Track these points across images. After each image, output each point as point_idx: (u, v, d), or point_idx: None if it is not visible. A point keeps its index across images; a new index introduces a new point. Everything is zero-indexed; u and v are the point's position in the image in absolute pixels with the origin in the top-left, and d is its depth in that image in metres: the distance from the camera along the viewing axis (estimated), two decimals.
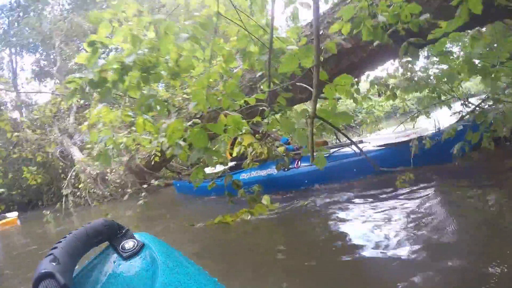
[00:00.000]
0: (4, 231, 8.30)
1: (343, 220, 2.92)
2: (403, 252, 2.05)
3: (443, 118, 5.03)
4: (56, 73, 16.91)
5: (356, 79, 4.55)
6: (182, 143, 2.71)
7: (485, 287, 1.53)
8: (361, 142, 4.46)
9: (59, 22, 17.36)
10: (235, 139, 5.03)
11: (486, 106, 4.11)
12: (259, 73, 3.69)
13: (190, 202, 5.82)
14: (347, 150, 4.34)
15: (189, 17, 2.44)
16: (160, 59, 2.79)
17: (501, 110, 2.49)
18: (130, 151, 8.41)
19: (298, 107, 5.60)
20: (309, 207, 3.48)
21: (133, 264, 0.62)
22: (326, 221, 3.03)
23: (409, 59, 5.15)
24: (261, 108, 3.16)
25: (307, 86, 2.04)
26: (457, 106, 4.79)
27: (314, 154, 1.97)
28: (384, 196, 3.29)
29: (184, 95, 7.07)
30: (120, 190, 8.84)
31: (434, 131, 4.06)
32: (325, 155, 2.24)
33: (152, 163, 7.46)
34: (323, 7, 4.24)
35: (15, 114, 16.05)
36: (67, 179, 9.92)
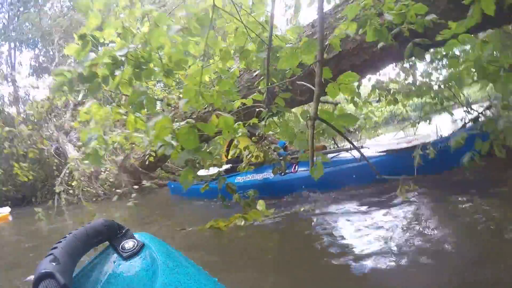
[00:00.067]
0: None
1: (340, 228, 2.80)
2: (400, 261, 1.99)
3: (443, 124, 4.94)
4: (54, 69, 16.74)
5: (357, 83, 4.44)
6: (174, 142, 2.59)
7: None
8: (361, 147, 4.32)
9: (58, 18, 17.27)
10: (232, 141, 4.91)
11: (489, 113, 4.01)
12: (256, 72, 3.55)
13: (184, 204, 5.64)
14: (346, 155, 4.20)
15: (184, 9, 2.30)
16: (154, 55, 2.67)
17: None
18: (124, 150, 8.30)
19: (297, 110, 5.46)
20: (305, 213, 3.34)
21: (133, 264, 0.62)
22: (322, 228, 2.89)
23: (411, 63, 5.15)
24: (258, 109, 3.03)
25: (308, 85, 1.90)
26: (457, 112, 4.71)
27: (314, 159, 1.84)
28: (383, 204, 3.17)
29: (180, 95, 6.94)
30: (114, 189, 8.71)
31: (436, 138, 3.93)
32: (324, 164, 2.09)
33: (147, 163, 7.32)
34: (325, 7, 4.11)
35: (12, 110, 15.91)
36: (61, 176, 9.77)
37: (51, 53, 19.54)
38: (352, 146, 4.35)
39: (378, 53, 3.48)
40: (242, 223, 2.96)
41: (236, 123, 3.14)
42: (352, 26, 2.34)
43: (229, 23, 2.76)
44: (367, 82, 5.05)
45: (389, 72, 5.44)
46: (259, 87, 3.17)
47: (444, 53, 4.18)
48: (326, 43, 2.47)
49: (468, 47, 2.37)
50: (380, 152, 3.94)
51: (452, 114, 4.67)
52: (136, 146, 6.43)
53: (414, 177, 3.12)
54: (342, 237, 2.58)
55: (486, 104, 5.30)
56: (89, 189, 9.15)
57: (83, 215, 6.81)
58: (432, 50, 4.00)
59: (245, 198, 3.46)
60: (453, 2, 3.24)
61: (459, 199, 2.86)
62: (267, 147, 4.49)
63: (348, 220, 2.93)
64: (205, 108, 3.03)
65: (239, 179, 4.66)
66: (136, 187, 6.15)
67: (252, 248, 2.84)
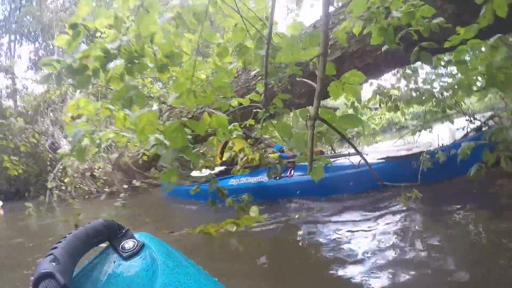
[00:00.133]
0: None
1: (335, 236, 2.68)
2: (396, 271, 1.93)
3: (443, 133, 4.86)
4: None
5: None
6: (167, 142, 2.45)
7: None
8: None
9: (60, 12, 17.16)
10: (227, 142, 4.77)
11: (491, 123, 3.92)
12: (254, 71, 3.42)
13: (176, 205, 5.51)
14: (343, 161, 4.08)
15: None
16: (147, 49, 2.55)
17: None
18: (118, 148, 8.17)
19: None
20: (299, 220, 3.21)
21: (133, 264, 0.61)
22: (316, 235, 2.79)
23: (413, 69, 5.04)
24: (255, 110, 2.90)
25: (309, 82, 1.77)
26: (457, 122, 4.63)
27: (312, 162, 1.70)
28: (380, 212, 3.05)
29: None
30: (107, 187, 8.58)
31: (437, 147, 3.82)
32: (324, 165, 1.96)
33: (140, 162, 7.18)
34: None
35: (9, 103, 15.77)
36: (54, 172, 9.65)
37: (51, 47, 19.42)
38: (353, 151, 4.27)
39: (382, 56, 3.35)
40: (234, 229, 2.82)
41: (232, 124, 3.02)
42: (358, 26, 2.21)
43: (227, 18, 2.63)
44: (368, 87, 4.94)
45: (390, 78, 5.28)
46: (257, 88, 3.04)
47: (447, 60, 4.08)
48: (330, 37, 2.34)
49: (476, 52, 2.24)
50: (379, 159, 3.82)
51: (453, 123, 4.60)
52: (129, 144, 6.28)
53: (417, 185, 3.02)
54: (336, 246, 2.47)
55: (486, 113, 5.23)
56: (82, 186, 9.04)
57: (73, 212, 6.70)
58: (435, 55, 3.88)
59: (238, 202, 3.33)
60: (461, 7, 3.14)
61: (459, 209, 2.78)
62: (263, 150, 4.36)
63: (344, 228, 2.82)
64: (201, 108, 2.89)
65: (233, 182, 4.53)
66: (126, 186, 6.00)
67: (243, 254, 2.72)
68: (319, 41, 1.47)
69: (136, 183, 5.39)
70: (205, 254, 2.76)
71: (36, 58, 21.31)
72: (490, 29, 2.15)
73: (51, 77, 2.65)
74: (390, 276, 1.88)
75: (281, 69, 2.45)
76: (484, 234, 2.30)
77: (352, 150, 4.38)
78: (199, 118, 4.61)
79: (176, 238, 3.16)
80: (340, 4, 4.20)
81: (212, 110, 2.26)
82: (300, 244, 2.74)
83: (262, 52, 2.25)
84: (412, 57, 2.43)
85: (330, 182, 3.73)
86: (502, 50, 2.06)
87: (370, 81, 4.65)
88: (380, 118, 9.59)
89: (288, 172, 4.17)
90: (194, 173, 4.69)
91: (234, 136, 3.09)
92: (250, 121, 3.03)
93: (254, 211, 2.95)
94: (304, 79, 2.05)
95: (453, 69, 4.56)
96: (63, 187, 9.22)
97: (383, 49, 2.62)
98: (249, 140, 4.29)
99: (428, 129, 4.85)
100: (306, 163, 1.85)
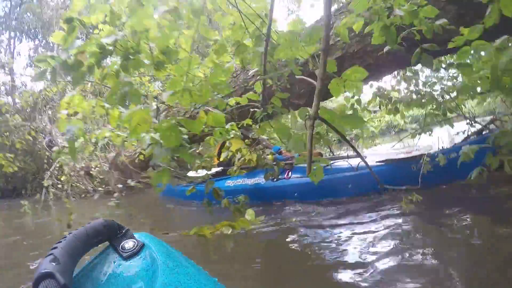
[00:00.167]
0: None
1: (332, 240, 2.62)
2: (395, 275, 1.91)
3: (442, 136, 4.83)
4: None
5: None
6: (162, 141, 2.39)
7: None
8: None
9: (60, 9, 17.11)
10: (224, 143, 4.70)
11: (492, 127, 3.87)
12: (253, 70, 3.35)
13: (173, 206, 5.43)
14: (341, 164, 4.03)
15: None
16: (143, 45, 2.48)
17: None
18: (115, 147, 8.10)
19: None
20: (296, 223, 3.14)
21: (133, 264, 0.61)
22: (313, 239, 2.72)
23: (413, 71, 4.99)
24: (252, 110, 2.84)
25: (309, 79, 1.70)
26: (456, 125, 4.62)
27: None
28: (379, 216, 2.99)
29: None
30: (103, 186, 8.50)
31: (437, 150, 3.77)
32: (324, 167, 1.89)
33: (136, 161, 7.09)
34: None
35: (8, 99, 15.69)
36: (50, 170, 9.58)
37: (51, 44, 19.34)
38: (351, 154, 4.22)
39: (383, 57, 3.29)
40: (229, 231, 2.75)
41: (229, 124, 2.95)
42: (358, 23, 2.15)
43: (226, 15, 2.57)
44: (368, 89, 4.88)
45: (390, 80, 5.23)
46: (255, 88, 2.97)
47: (449, 62, 4.03)
48: (332, 35, 2.28)
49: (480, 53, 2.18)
50: (378, 162, 3.77)
51: (453, 126, 4.56)
52: (126, 144, 6.20)
53: (417, 188, 2.97)
54: (334, 249, 2.42)
55: (485, 117, 5.19)
56: (78, 184, 8.97)
57: (66, 211, 6.63)
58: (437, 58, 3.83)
59: (235, 203, 3.27)
60: (464, 8, 3.08)
61: (459, 213, 2.72)
62: (261, 151, 4.29)
63: (342, 231, 2.77)
64: (199, 107, 2.83)
65: (230, 183, 4.46)
66: (120, 186, 5.91)
67: (239, 256, 2.66)
68: (319, 36, 1.41)
69: (131, 182, 5.30)
70: (200, 256, 2.70)
71: (36, 56, 21.25)
72: (496, 29, 2.09)
73: (45, 74, 2.59)
74: (389, 280, 1.85)
75: (280, 68, 2.39)
76: (485, 238, 2.25)
77: (350, 153, 4.34)
78: (196, 117, 4.56)
79: (170, 239, 3.09)
80: (341, 4, 4.15)
81: (208, 108, 2.18)
82: (297, 247, 2.66)
83: (261, 49, 2.19)
84: (413, 59, 2.37)
85: (329, 185, 3.67)
86: (509, 52, 2.00)
87: (370, 82, 4.59)
88: (379, 120, 9.55)
89: (286, 174, 4.11)
90: (191, 174, 4.61)
91: (232, 136, 3.02)
92: (248, 121, 2.96)
93: (250, 214, 2.87)
94: (303, 77, 1.98)
95: (454, 72, 4.53)
96: (60, 186, 9.15)
97: (385, 49, 2.56)
98: (246, 141, 4.23)
99: (428, 132, 4.80)
100: (304, 165, 1.78)
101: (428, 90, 4.63)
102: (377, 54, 3.31)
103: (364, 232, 2.66)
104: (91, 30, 2.81)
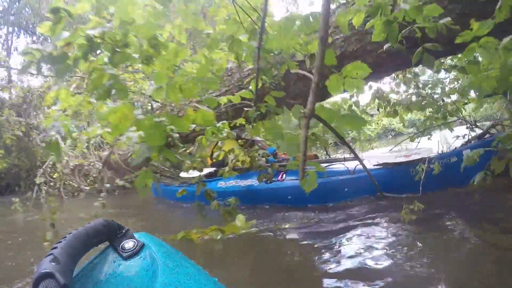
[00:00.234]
0: None
1: (324, 247, 2.50)
2: (390, 282, 1.84)
3: (442, 140, 4.74)
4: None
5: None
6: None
7: None
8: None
9: None
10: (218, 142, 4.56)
11: (494, 131, 3.77)
12: (247, 68, 3.22)
13: (165, 207, 5.29)
14: (338, 166, 3.90)
15: None
16: (132, 38, 2.35)
17: None
18: (109, 146, 7.99)
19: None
20: (289, 229, 3.02)
21: (133, 264, 0.61)
22: (306, 246, 2.61)
23: (413, 73, 4.89)
24: (246, 109, 2.71)
25: (304, 72, 1.56)
26: (456, 130, 4.55)
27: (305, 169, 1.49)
28: (375, 222, 2.89)
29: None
30: (94, 185, 8.38)
31: (437, 154, 3.66)
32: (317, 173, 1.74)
33: (129, 160, 6.96)
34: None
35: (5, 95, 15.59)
36: (43, 167, 9.46)
37: (49, 40, 19.21)
38: (349, 156, 4.10)
39: (383, 57, 3.17)
40: (219, 236, 2.61)
41: (220, 122, 2.82)
42: (359, 17, 2.02)
43: (220, 9, 2.44)
44: (367, 91, 4.77)
45: (390, 82, 5.12)
46: (250, 87, 2.84)
47: (451, 64, 3.93)
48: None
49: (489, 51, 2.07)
50: (376, 165, 3.64)
51: (452, 130, 4.48)
52: (117, 142, 6.06)
53: (418, 196, 2.85)
54: (328, 256, 2.32)
55: (484, 122, 5.11)
56: (71, 183, 8.86)
57: (60, 209, 6.52)
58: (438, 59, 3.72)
59: (225, 206, 3.13)
60: (469, 7, 2.98)
61: (458, 219, 2.67)
62: (255, 152, 4.15)
63: (336, 237, 2.65)
64: (187, 104, 2.70)
65: (222, 184, 4.33)
66: (108, 185, 5.78)
67: (228, 261, 2.53)
68: (317, 24, 1.27)
69: (119, 182, 5.17)
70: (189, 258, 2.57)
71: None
72: (507, 23, 1.98)
73: (30, 67, 2.50)
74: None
75: (274, 64, 2.25)
76: (485, 246, 2.21)
77: (347, 155, 4.23)
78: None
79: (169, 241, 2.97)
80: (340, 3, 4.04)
81: (197, 105, 2.04)
82: (288, 253, 2.57)
83: (255, 43, 2.05)
84: (414, 59, 2.25)
85: (324, 188, 3.53)
86: None
87: (369, 84, 4.47)
88: (377, 123, 9.48)
89: (280, 176, 3.98)
90: (182, 174, 4.49)
91: (224, 135, 2.89)
92: (241, 120, 2.83)
93: (240, 220, 2.73)
94: (299, 71, 1.84)
95: (455, 74, 4.44)
96: (52, 183, 9.04)
97: (385, 47, 2.44)
98: (239, 141, 4.09)
99: (427, 136, 4.71)
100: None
101: (429, 92, 4.53)
102: (377, 53, 3.19)
103: (360, 238, 2.57)
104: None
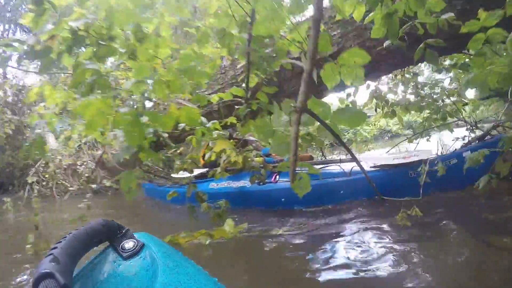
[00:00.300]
0: None
1: (320, 250, 2.44)
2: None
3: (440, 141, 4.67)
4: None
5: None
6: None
7: None
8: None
9: None
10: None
11: (495, 132, 3.69)
12: (240, 65, 3.09)
13: (156, 208, 5.19)
14: (333, 168, 3.79)
15: None
16: (118, 31, 2.23)
17: None
18: (101, 145, 7.88)
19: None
20: (281, 231, 2.90)
21: (133, 264, 0.61)
22: (299, 251, 2.51)
23: (412, 73, 4.79)
24: (237, 107, 2.58)
25: (296, 61, 1.43)
26: (455, 131, 4.49)
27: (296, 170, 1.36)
28: (373, 225, 2.82)
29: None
30: (89, 185, 8.26)
31: (438, 155, 3.56)
32: (311, 176, 1.61)
33: (121, 160, 6.83)
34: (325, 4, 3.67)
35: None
36: (36, 166, 9.34)
37: None
38: (344, 158, 3.98)
39: (383, 54, 3.05)
40: (207, 241, 2.48)
41: (211, 122, 2.69)
42: (359, 10, 1.89)
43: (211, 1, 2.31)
44: (365, 90, 4.66)
45: (388, 82, 5.03)
46: (243, 85, 2.72)
47: (453, 64, 3.82)
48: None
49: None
50: (373, 167, 3.54)
51: (452, 131, 4.40)
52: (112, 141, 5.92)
53: (418, 200, 2.74)
54: (322, 261, 2.25)
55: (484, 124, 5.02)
56: (64, 182, 8.75)
57: (52, 209, 6.39)
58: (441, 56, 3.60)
59: (216, 208, 3.00)
60: (470, 3, 2.86)
61: (457, 223, 2.58)
62: (251, 153, 4.02)
63: (331, 241, 2.59)
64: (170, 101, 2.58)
65: (214, 186, 4.20)
66: (94, 186, 5.65)
67: (218, 265, 2.41)
68: (310, 3, 1.15)
69: (106, 183, 5.05)
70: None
71: (29, 49, 20.95)
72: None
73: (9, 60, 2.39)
74: None
75: (266, 58, 2.13)
76: (484, 249, 2.17)
77: (343, 156, 4.11)
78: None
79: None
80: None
81: (181, 101, 1.91)
82: (281, 257, 2.46)
83: (245, 35, 1.92)
84: (416, 56, 2.14)
85: (319, 190, 3.41)
86: None
87: (367, 83, 4.35)
88: (374, 124, 9.42)
89: (273, 178, 3.85)
90: (174, 175, 4.36)
91: (215, 135, 2.77)
92: (232, 119, 2.70)
93: (229, 224, 2.59)
94: (291, 60, 1.71)
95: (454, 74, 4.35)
96: (44, 183, 8.92)
97: (385, 44, 2.33)
98: (232, 141, 3.96)
99: (426, 137, 4.62)
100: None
101: (428, 91, 4.44)
102: (376, 50, 3.07)
103: (356, 242, 2.51)
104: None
